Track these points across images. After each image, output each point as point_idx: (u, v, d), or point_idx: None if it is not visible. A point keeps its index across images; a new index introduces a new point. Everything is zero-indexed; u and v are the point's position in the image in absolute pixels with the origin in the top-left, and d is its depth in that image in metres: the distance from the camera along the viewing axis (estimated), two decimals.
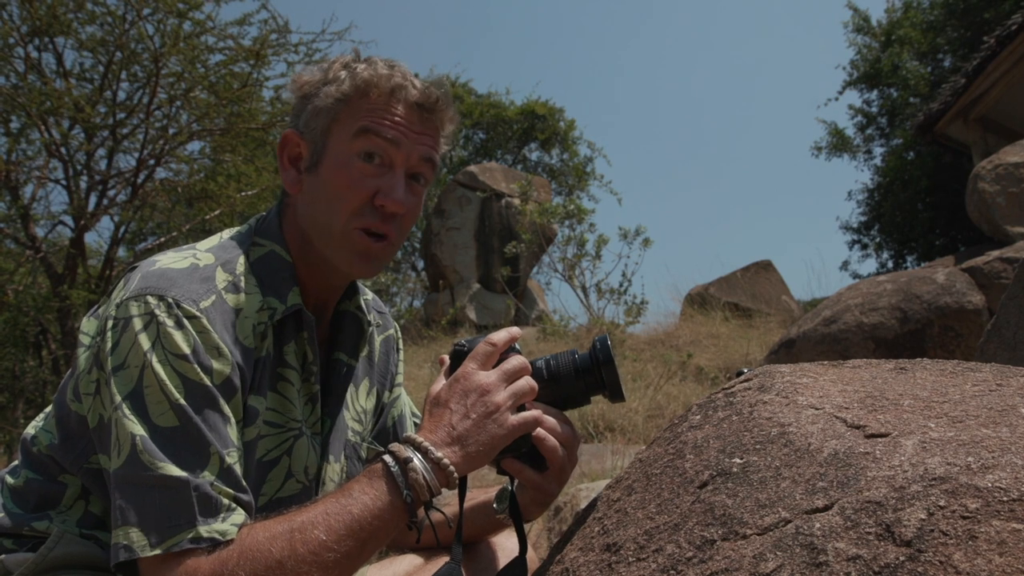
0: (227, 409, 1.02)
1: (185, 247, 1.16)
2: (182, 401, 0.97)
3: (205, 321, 1.03)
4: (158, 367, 0.98)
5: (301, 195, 1.19)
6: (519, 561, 1.13)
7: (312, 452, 1.21)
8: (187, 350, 1.00)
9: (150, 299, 1.02)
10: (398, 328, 1.49)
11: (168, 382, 0.98)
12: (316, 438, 1.23)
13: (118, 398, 0.98)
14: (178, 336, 1.00)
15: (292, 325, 1.17)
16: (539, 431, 1.09)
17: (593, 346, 1.14)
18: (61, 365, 7.05)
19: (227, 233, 1.22)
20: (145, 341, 0.99)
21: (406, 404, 1.49)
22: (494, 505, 1.28)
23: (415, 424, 1.47)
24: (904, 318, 4.89)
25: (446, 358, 1.14)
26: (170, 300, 1.02)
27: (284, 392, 1.16)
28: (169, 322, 1.01)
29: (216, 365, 1.02)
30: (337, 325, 1.30)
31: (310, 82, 1.19)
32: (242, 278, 1.12)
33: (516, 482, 1.17)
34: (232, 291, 1.09)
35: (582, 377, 1.13)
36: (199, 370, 1.00)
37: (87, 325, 1.14)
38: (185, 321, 1.01)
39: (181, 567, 0.92)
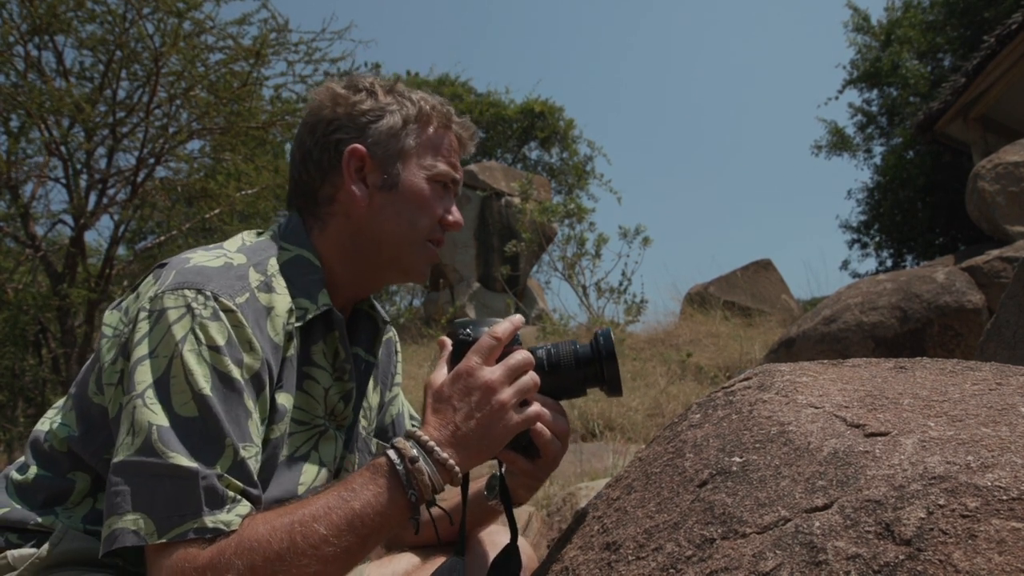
0: (251, 404, 1.03)
1: (212, 247, 1.18)
2: (206, 392, 0.98)
3: (240, 315, 1.05)
4: (188, 356, 0.99)
5: (370, 210, 1.25)
6: (511, 548, 1.15)
7: (338, 445, 1.24)
8: (221, 342, 1.02)
9: (188, 292, 1.04)
10: (395, 332, 1.52)
11: (196, 371, 0.99)
12: (341, 431, 1.26)
13: (142, 386, 0.99)
14: (213, 327, 1.02)
15: (320, 326, 1.20)
16: (537, 425, 1.10)
17: (595, 338, 1.14)
18: (61, 364, 7.04)
19: (249, 237, 1.24)
20: (179, 331, 1.01)
21: (403, 404, 1.52)
22: (484, 493, 1.30)
23: (413, 427, 1.49)
24: (904, 317, 4.89)
25: (447, 341, 1.13)
26: (208, 293, 1.04)
27: (310, 391, 1.19)
28: (206, 313, 1.02)
29: (247, 359, 1.04)
30: (353, 324, 1.35)
31: (358, 102, 1.26)
32: (273, 279, 1.14)
33: (504, 467, 1.18)
34: (265, 290, 1.11)
35: (582, 368, 1.13)
36: (229, 362, 1.01)
37: (110, 317, 1.16)
38: (222, 314, 1.03)
39: (181, 555, 0.92)
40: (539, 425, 1.10)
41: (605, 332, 1.14)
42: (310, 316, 1.16)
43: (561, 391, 1.14)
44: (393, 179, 1.25)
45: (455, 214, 1.30)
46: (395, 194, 1.25)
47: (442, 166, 1.28)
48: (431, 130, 1.28)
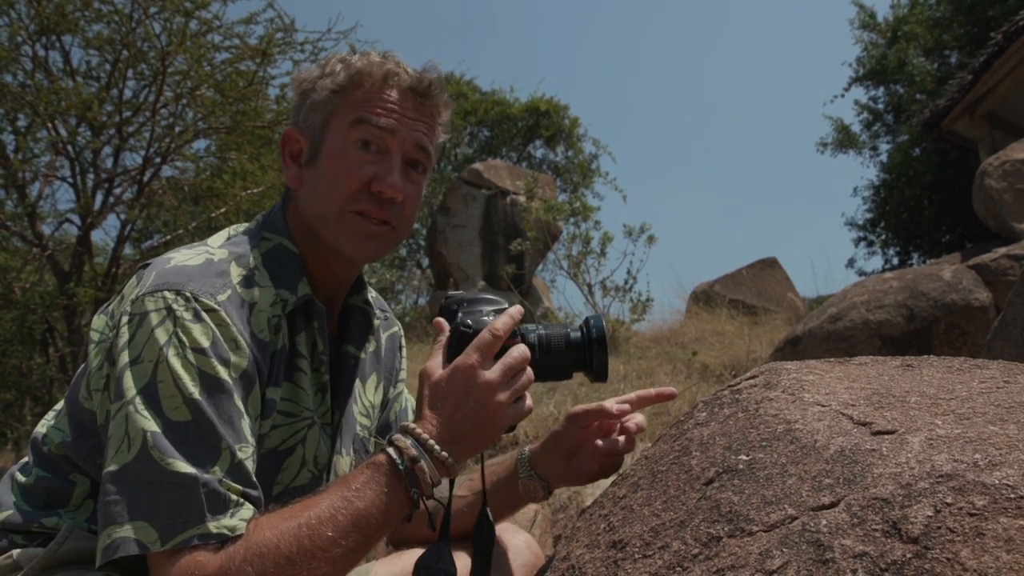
0: (241, 403, 1.02)
1: (196, 244, 1.16)
2: (196, 395, 0.97)
3: (223, 314, 1.03)
4: (174, 361, 0.98)
5: (303, 188, 1.22)
6: (482, 514, 1.19)
7: (323, 442, 1.22)
8: (206, 343, 1.00)
9: (167, 294, 1.02)
10: (400, 328, 1.51)
11: (184, 376, 0.98)
12: (326, 428, 1.24)
13: (131, 393, 0.98)
14: (196, 329, 1.00)
15: (303, 316, 1.18)
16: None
17: (587, 323, 1.15)
18: (68, 363, 7.07)
19: (235, 229, 1.23)
20: (162, 335, 1.00)
21: (407, 401, 1.51)
22: (520, 476, 1.32)
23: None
24: (910, 315, 4.87)
25: (444, 325, 1.12)
26: (188, 294, 1.03)
27: (298, 382, 1.17)
28: (187, 315, 1.01)
29: (234, 358, 1.02)
30: (345, 319, 1.32)
31: (308, 79, 1.22)
32: (255, 272, 1.13)
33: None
34: (247, 285, 1.10)
35: (572, 352, 1.15)
36: (216, 363, 1.00)
37: (97, 322, 1.15)
38: (204, 314, 1.02)
39: (188, 563, 0.92)
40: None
41: (597, 319, 1.15)
42: (290, 307, 1.14)
43: (550, 373, 1.16)
44: (316, 151, 1.19)
45: (389, 178, 1.15)
46: (317, 166, 1.19)
47: (366, 125, 1.15)
48: (360, 92, 1.17)
